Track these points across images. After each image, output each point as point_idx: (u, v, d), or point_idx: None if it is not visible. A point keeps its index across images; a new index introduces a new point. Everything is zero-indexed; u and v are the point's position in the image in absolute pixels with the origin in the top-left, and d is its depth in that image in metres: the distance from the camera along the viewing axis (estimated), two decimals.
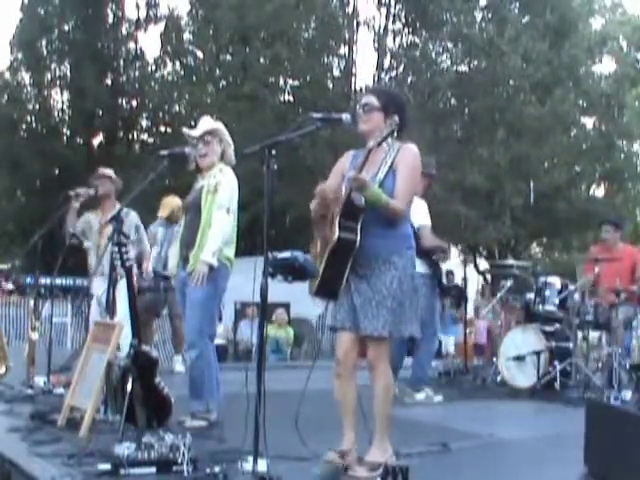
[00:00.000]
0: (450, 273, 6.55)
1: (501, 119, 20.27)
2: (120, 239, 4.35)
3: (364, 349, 3.57)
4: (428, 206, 6.39)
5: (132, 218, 6.26)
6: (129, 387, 3.97)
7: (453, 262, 22.26)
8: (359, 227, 3.40)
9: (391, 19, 20.90)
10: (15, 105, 21.24)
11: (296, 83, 21.36)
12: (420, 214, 6.05)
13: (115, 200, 6.18)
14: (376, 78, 20.42)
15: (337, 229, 3.37)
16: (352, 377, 3.59)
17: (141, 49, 22.24)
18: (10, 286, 12.59)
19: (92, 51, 21.01)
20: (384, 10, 20.81)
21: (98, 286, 5.99)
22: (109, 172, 6.29)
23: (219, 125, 4.91)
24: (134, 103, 22.20)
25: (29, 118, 21.92)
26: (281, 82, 21.49)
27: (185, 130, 4.98)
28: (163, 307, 7.99)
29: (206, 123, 4.91)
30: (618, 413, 3.80)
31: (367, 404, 3.60)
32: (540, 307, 7.36)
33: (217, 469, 3.31)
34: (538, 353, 6.85)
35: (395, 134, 3.45)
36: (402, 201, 3.48)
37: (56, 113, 22.34)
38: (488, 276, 20.24)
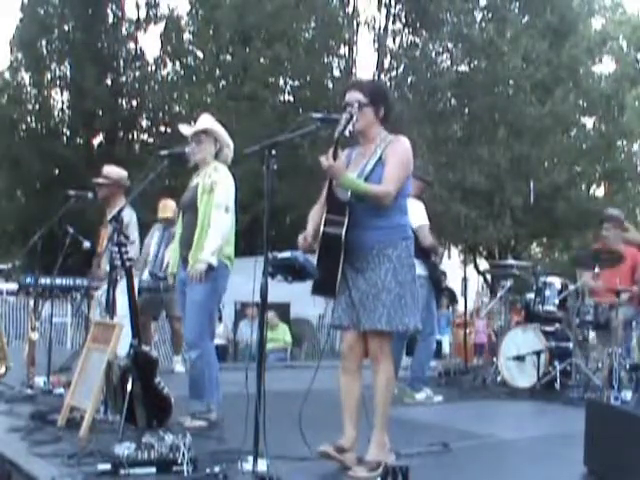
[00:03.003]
0: (443, 274, 6.58)
1: (501, 119, 20.28)
2: (120, 239, 4.35)
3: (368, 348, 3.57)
4: (428, 206, 6.40)
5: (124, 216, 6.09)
6: (129, 387, 3.97)
7: (453, 262, 22.31)
8: (346, 221, 3.38)
9: (391, 19, 20.90)
10: (15, 105, 21.23)
11: (296, 83, 21.37)
12: (418, 214, 6.06)
13: (121, 197, 5.98)
14: (376, 78, 20.42)
15: (322, 225, 3.37)
16: (358, 372, 3.58)
17: (141, 49, 22.24)
18: (13, 286, 12.57)
19: (92, 51, 21.00)
20: (384, 10, 20.81)
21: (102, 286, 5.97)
22: (105, 173, 6.13)
23: (214, 125, 4.87)
24: (134, 103, 22.18)
25: (29, 118, 21.91)
26: (281, 82, 21.49)
27: (180, 127, 4.98)
28: (161, 308, 7.98)
29: (202, 122, 4.90)
30: (618, 413, 3.80)
31: (367, 405, 3.60)
32: (540, 307, 7.36)
33: (217, 469, 3.31)
34: (538, 353, 6.85)
35: (353, 124, 3.45)
36: (389, 184, 3.43)
37: (56, 113, 22.33)
38: (488, 276, 20.25)
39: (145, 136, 23.11)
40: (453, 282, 12.27)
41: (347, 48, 21.01)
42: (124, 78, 22.05)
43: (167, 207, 7.89)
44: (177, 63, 22.03)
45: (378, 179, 3.45)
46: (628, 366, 6.37)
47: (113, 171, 6.16)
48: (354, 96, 3.59)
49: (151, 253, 7.65)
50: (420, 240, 6.04)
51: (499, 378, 7.31)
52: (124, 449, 3.48)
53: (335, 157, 3.32)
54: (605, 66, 25.81)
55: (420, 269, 6.20)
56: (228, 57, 21.44)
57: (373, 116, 3.57)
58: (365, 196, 3.40)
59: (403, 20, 20.92)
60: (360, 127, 3.56)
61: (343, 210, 3.38)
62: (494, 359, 7.67)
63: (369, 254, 3.46)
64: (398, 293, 3.44)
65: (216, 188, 4.67)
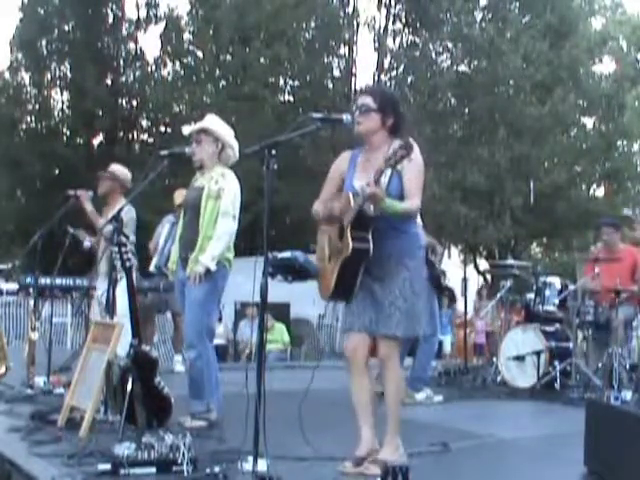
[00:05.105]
0: (442, 273, 6.59)
1: (501, 119, 20.28)
2: (120, 239, 4.35)
3: (375, 348, 3.59)
4: (428, 206, 6.40)
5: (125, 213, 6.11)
6: (129, 387, 3.97)
7: (453, 262, 22.31)
8: (370, 235, 3.43)
9: (391, 19, 20.91)
10: (15, 105, 21.23)
11: (296, 83, 21.38)
12: None
13: (120, 197, 6.01)
14: (376, 78, 20.43)
15: (350, 241, 3.40)
16: (364, 374, 3.61)
17: (141, 49, 22.22)
18: (13, 286, 12.57)
19: (92, 51, 21.00)
20: (384, 10, 20.82)
21: (100, 286, 5.97)
22: (111, 169, 6.18)
23: (215, 125, 4.85)
24: (134, 103, 22.18)
25: (29, 118, 21.92)
26: (281, 82, 21.51)
27: (183, 127, 4.97)
28: (163, 307, 7.98)
29: (203, 121, 4.89)
30: (618, 413, 3.80)
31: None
32: (540, 307, 7.37)
33: (217, 469, 3.31)
34: (538, 353, 6.85)
35: (412, 143, 3.40)
36: (415, 198, 3.50)
37: (56, 113, 22.33)
38: (488, 276, 20.25)
39: (145, 136, 23.10)
40: (453, 282, 12.28)
41: (347, 48, 21.02)
42: (124, 78, 22.05)
43: (181, 194, 7.76)
44: (177, 63, 22.01)
45: (396, 189, 3.48)
46: (628, 366, 6.37)
47: (119, 170, 6.19)
48: (364, 100, 3.63)
49: (160, 245, 7.63)
50: None
51: (499, 378, 7.31)
52: (124, 449, 3.48)
53: (376, 183, 3.32)
54: (605, 66, 25.84)
55: None
56: (228, 57, 21.43)
57: (379, 123, 3.58)
58: (399, 215, 3.48)
59: (403, 20, 20.93)
60: (363, 130, 3.60)
61: (368, 225, 3.43)
62: (494, 359, 7.67)
63: (387, 263, 3.51)
64: (413, 302, 3.52)
65: (223, 195, 4.65)
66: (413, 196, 3.49)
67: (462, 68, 20.79)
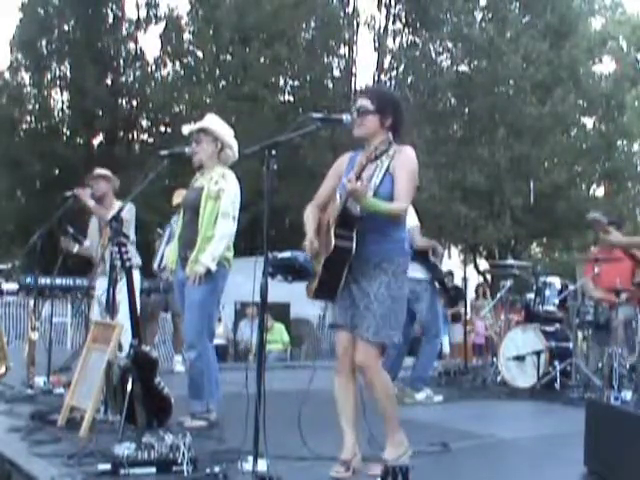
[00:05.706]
0: (449, 273, 6.56)
1: (501, 119, 20.30)
2: (120, 239, 4.35)
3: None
4: (428, 207, 6.41)
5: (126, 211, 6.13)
6: (129, 387, 3.97)
7: (453, 262, 22.33)
8: (355, 234, 3.40)
9: (391, 19, 20.93)
10: (15, 105, 21.24)
11: (296, 83, 21.39)
12: (408, 216, 6.06)
13: (113, 199, 6.14)
14: (376, 78, 20.44)
15: (333, 238, 3.38)
16: (352, 374, 3.59)
17: (141, 49, 22.22)
18: (13, 286, 12.57)
19: (92, 51, 21.00)
20: (384, 10, 20.84)
21: (100, 286, 5.98)
22: (104, 172, 6.24)
23: (214, 124, 4.84)
24: (134, 103, 22.18)
25: (29, 118, 21.92)
26: (281, 82, 21.52)
27: (183, 127, 4.96)
28: (164, 307, 8.00)
29: (202, 121, 4.88)
30: (618, 413, 3.79)
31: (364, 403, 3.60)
32: (540, 307, 7.37)
33: (217, 469, 3.31)
34: (538, 353, 6.85)
35: (391, 138, 3.44)
36: (403, 200, 3.46)
37: (56, 113, 22.33)
38: (488, 276, 20.26)
39: (145, 136, 23.11)
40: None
41: (347, 48, 21.03)
42: (124, 78, 22.05)
43: (180, 194, 7.77)
44: (177, 63, 22.02)
45: (387, 191, 3.45)
46: (628, 366, 6.37)
47: (104, 171, 6.25)
48: (361, 102, 3.60)
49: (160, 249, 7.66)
50: (412, 242, 6.05)
51: (499, 378, 7.31)
52: (124, 449, 3.48)
53: (358, 179, 3.31)
54: (605, 66, 25.89)
55: (421, 273, 6.22)
56: (228, 57, 21.44)
57: (378, 124, 3.55)
58: (383, 215, 3.44)
59: (403, 20, 20.96)
60: (362, 134, 3.58)
61: (353, 225, 3.41)
62: (494, 359, 7.68)
63: (366, 265, 3.48)
64: (389, 306, 3.47)
65: (223, 196, 4.64)
66: (401, 198, 3.45)
67: (462, 68, 20.81)
